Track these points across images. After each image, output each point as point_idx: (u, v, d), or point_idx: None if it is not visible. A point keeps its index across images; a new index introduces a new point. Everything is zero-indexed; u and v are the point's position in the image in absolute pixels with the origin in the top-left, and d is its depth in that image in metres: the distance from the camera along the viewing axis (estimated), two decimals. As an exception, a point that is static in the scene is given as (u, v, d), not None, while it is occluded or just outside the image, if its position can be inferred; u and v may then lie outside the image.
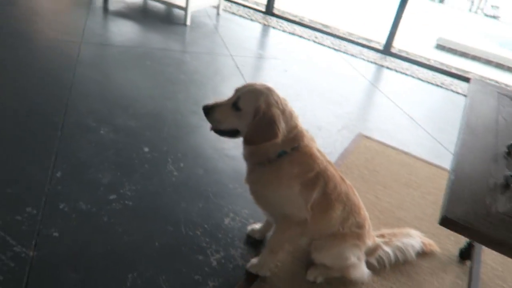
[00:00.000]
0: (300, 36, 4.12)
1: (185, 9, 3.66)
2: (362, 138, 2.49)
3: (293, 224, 1.33)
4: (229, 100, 1.26)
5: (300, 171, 1.26)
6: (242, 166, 1.40)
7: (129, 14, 3.75)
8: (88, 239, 1.43)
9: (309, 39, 4.09)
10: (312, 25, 4.47)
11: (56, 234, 1.42)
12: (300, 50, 3.79)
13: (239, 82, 2.61)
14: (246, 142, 1.24)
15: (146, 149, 1.97)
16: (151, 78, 2.71)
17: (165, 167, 1.87)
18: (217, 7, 4.22)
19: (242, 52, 3.41)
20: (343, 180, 1.37)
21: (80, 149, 1.87)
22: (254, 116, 1.19)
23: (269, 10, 4.53)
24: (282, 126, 1.20)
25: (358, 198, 1.41)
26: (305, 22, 4.52)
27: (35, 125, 1.97)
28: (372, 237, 1.47)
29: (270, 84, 1.26)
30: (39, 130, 1.94)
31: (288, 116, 1.23)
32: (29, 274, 1.27)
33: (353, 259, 1.39)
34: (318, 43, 4.03)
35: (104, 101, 2.30)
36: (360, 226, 1.39)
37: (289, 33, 4.15)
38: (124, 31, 3.38)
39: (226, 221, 1.65)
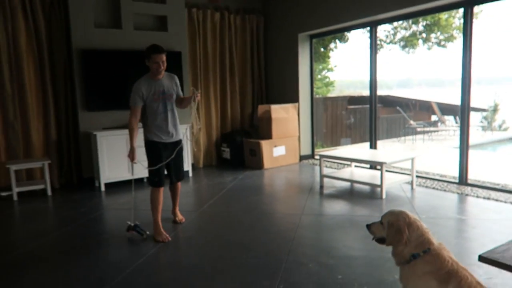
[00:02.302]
0: (497, 200, 4.32)
1: (380, 186, 4.59)
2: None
3: None
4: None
5: (431, 269, 1.78)
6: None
7: (339, 195, 4.90)
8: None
9: (506, 202, 4.25)
10: (506, 188, 4.61)
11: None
12: (493, 210, 3.99)
13: None
14: (386, 244, 1.92)
15: (339, 276, 2.70)
16: (352, 235, 3.55)
17: (353, 289, 2.52)
18: (411, 183, 4.97)
19: (431, 216, 3.92)
20: (480, 285, 1.75)
21: (295, 274, 2.76)
22: (389, 228, 1.90)
23: (462, 181, 4.96)
24: (406, 233, 1.84)
25: None
26: (499, 187, 4.70)
27: (268, 261, 3.01)
28: None
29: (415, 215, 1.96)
30: (271, 264, 2.96)
31: (414, 227, 1.86)
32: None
33: None
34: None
35: (315, 248, 3.23)
36: None
37: (484, 198, 4.42)
38: (335, 206, 4.47)
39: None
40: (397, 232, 1.87)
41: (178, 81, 3.70)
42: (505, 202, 4.26)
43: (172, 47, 6.05)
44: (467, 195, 4.59)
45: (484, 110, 12.66)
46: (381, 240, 2.02)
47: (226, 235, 3.70)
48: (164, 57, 3.44)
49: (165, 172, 3.69)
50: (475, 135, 11.43)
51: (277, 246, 3.32)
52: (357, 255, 3.09)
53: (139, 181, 5.76)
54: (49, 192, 5.30)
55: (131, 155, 3.46)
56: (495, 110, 12.59)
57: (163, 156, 3.57)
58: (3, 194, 5.26)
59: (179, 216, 4.01)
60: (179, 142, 3.70)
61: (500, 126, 12.68)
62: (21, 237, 3.79)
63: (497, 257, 1.23)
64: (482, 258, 1.27)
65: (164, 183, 3.66)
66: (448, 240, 3.30)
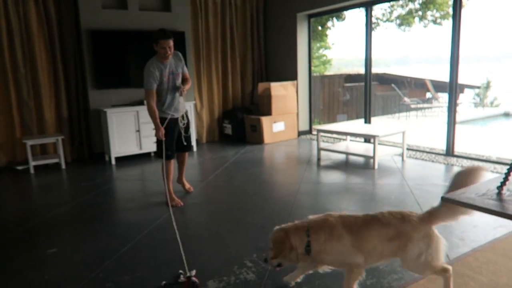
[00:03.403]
0: (479, 169, 4.71)
1: (373, 157, 4.96)
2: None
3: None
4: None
5: (326, 236, 2.07)
6: None
7: (334, 166, 5.27)
8: None
9: (486, 171, 4.64)
10: (490, 159, 5.00)
11: None
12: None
13: (412, 203, 3.60)
14: (283, 261, 2.20)
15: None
16: (346, 199, 3.94)
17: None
18: (402, 155, 5.35)
19: (418, 183, 4.31)
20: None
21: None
22: (274, 246, 2.17)
23: (449, 152, 5.34)
24: (288, 241, 2.11)
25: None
26: (483, 158, 5.09)
27: (271, 221, 3.40)
28: None
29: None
30: (274, 223, 3.34)
31: (292, 231, 2.13)
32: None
33: None
34: (496, 172, 4.53)
35: (313, 210, 3.61)
36: None
37: (468, 167, 4.81)
38: (331, 176, 4.85)
39: (381, 268, 2.51)
40: (280, 243, 2.09)
41: (183, 59, 3.94)
42: (486, 171, 4.65)
43: (175, 27, 6.30)
44: (452, 165, 4.98)
45: (477, 87, 12.99)
46: (279, 265, 2.17)
47: (232, 201, 4.09)
48: (171, 43, 3.63)
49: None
50: (467, 111, 11.80)
51: (279, 209, 3.71)
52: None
53: (147, 155, 6.11)
54: (63, 166, 5.65)
55: (160, 134, 3.74)
56: (487, 87, 12.93)
57: (174, 132, 3.91)
58: (19, 167, 5.62)
59: (187, 185, 4.38)
60: (186, 115, 4.03)
61: (491, 103, 13.05)
62: (44, 205, 4.15)
63: (455, 197, 1.58)
64: (444, 199, 1.62)
65: (174, 156, 4.02)
66: (431, 203, 3.68)
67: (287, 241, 2.09)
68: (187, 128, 4.03)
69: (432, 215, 2.10)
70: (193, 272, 2.46)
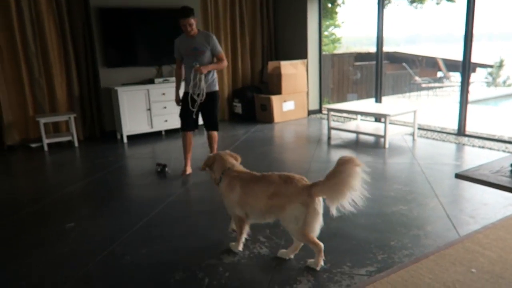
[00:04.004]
0: (490, 149, 4.70)
1: (383, 136, 4.96)
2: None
3: None
4: None
5: (229, 180, 2.50)
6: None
7: (345, 145, 5.28)
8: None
9: (498, 150, 4.62)
10: (502, 138, 4.98)
11: (293, 238, 2.68)
12: (487, 156, 4.38)
13: (423, 182, 3.61)
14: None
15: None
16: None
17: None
18: (412, 134, 5.33)
19: (429, 163, 4.31)
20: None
21: (307, 208, 3.20)
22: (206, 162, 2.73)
23: (460, 132, 5.32)
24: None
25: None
26: (495, 138, 5.06)
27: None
28: None
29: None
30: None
31: (218, 160, 2.59)
32: (281, 249, 2.53)
33: None
34: (508, 152, 4.51)
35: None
36: None
37: (479, 147, 4.79)
38: (341, 154, 4.80)
39: (392, 244, 2.56)
40: (208, 160, 2.65)
41: (213, 40, 4.04)
42: (498, 150, 4.64)
43: (183, 5, 6.23)
44: (463, 144, 4.96)
45: (489, 66, 12.77)
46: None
47: (243, 179, 4.14)
48: (190, 20, 3.83)
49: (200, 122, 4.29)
50: (480, 90, 11.64)
51: (290, 187, 3.75)
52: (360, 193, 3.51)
53: (158, 133, 6.17)
54: (76, 144, 5.74)
55: (175, 101, 4.27)
56: (500, 66, 12.70)
57: (189, 105, 4.03)
58: (33, 145, 5.71)
59: None
60: (208, 95, 4.03)
61: (504, 82, 12.85)
62: (59, 181, 4.24)
63: (468, 174, 1.60)
64: (458, 175, 1.64)
65: (190, 129, 4.18)
66: (442, 182, 3.71)
67: (211, 164, 2.63)
68: (204, 107, 4.09)
69: (314, 187, 2.23)
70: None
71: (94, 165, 4.79)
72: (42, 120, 5.46)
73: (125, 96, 5.77)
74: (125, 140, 5.86)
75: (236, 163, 2.61)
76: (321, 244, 2.28)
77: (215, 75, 4.15)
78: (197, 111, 4.09)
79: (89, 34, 5.93)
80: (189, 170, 4.21)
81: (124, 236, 2.85)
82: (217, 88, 4.16)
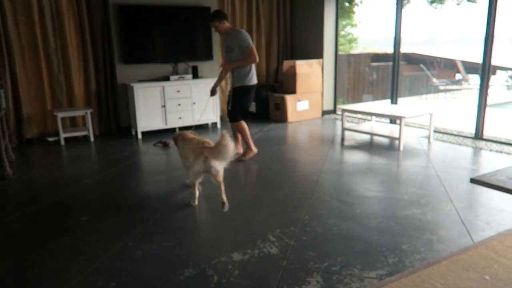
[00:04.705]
0: (508, 153, 4.59)
1: (398, 138, 4.90)
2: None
3: None
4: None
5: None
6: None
7: (359, 146, 5.24)
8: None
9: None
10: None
11: (304, 238, 2.68)
12: (504, 161, 4.29)
13: (437, 185, 3.56)
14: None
15: (357, 211, 3.11)
16: (369, 179, 3.93)
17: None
18: (428, 137, 5.25)
19: (444, 166, 4.24)
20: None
21: (318, 208, 3.18)
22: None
23: (478, 136, 5.22)
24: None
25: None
26: (516, 143, 4.95)
27: (295, 198, 3.44)
28: None
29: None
30: (297, 200, 3.38)
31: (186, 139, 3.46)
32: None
33: None
34: (527, 158, 4.41)
35: (336, 189, 3.64)
36: None
37: (496, 151, 4.70)
38: (354, 156, 4.83)
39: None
40: (175, 138, 3.67)
41: (240, 36, 4.27)
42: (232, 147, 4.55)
43: (200, 3, 6.27)
44: (481, 149, 4.87)
45: (510, 69, 12.48)
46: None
47: (256, 178, 4.15)
48: (214, 23, 4.31)
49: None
50: (499, 93, 11.39)
51: (302, 187, 3.75)
52: (373, 195, 3.48)
53: (172, 130, 6.22)
54: (92, 138, 5.82)
55: (210, 89, 4.83)
56: (522, 69, 12.39)
57: (231, 99, 4.59)
58: (50, 139, 5.82)
59: (240, 150, 4.81)
60: (233, 89, 4.51)
61: (525, 86, 12.54)
62: (76, 175, 4.31)
63: (485, 179, 1.57)
64: (473, 180, 1.61)
65: (244, 118, 4.60)
66: (457, 186, 3.65)
67: (175, 141, 3.71)
68: (231, 100, 4.55)
69: (204, 149, 3.09)
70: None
71: (109, 160, 4.85)
72: (60, 115, 5.56)
73: (141, 93, 5.83)
74: (139, 136, 5.92)
75: (191, 134, 3.55)
76: (198, 191, 3.37)
77: (248, 70, 4.39)
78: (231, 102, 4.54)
79: (107, 30, 6.01)
80: (254, 150, 4.65)
81: (136, 231, 2.89)
82: (246, 83, 4.43)
